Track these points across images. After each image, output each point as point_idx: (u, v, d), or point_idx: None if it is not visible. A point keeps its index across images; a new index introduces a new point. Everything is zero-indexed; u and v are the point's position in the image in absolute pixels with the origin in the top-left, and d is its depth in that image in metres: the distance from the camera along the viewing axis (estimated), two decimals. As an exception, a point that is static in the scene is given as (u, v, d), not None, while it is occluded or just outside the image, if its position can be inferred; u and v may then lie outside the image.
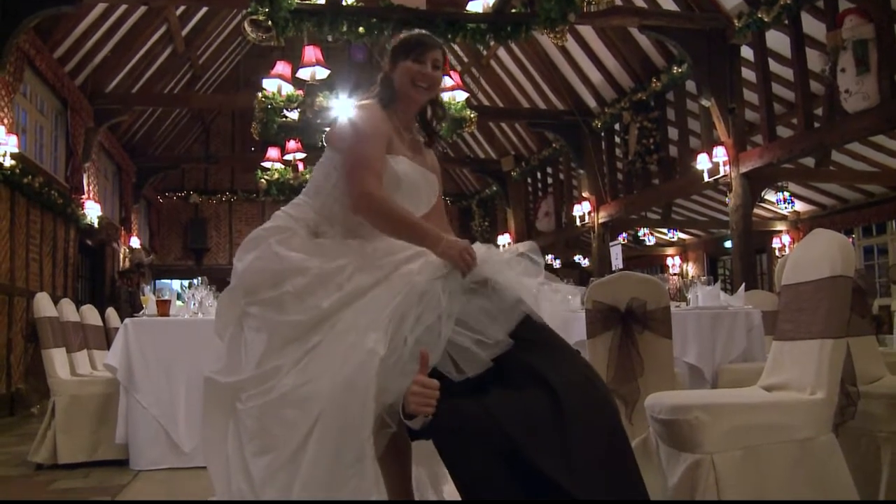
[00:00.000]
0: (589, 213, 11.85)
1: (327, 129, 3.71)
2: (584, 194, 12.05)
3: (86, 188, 10.03)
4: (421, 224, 2.18)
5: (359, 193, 2.17)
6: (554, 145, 12.98)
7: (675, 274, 16.05)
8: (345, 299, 2.09)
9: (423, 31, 2.41)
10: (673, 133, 10.24)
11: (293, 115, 7.72)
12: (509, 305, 2.01)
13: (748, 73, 8.76)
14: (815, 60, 7.59)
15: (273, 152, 10.23)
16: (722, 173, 8.60)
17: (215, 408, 2.16)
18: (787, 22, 7.75)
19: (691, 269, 16.41)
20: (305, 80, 7.38)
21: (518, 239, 14.54)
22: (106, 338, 5.68)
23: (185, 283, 10.52)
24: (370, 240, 2.24)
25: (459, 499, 1.91)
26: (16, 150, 7.26)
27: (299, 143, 9.52)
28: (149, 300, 4.67)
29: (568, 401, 1.88)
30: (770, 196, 12.38)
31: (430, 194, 2.41)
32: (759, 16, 7.89)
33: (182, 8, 10.29)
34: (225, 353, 2.23)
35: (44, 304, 4.58)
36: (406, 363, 1.94)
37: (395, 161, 2.27)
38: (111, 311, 6.20)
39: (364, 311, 2.06)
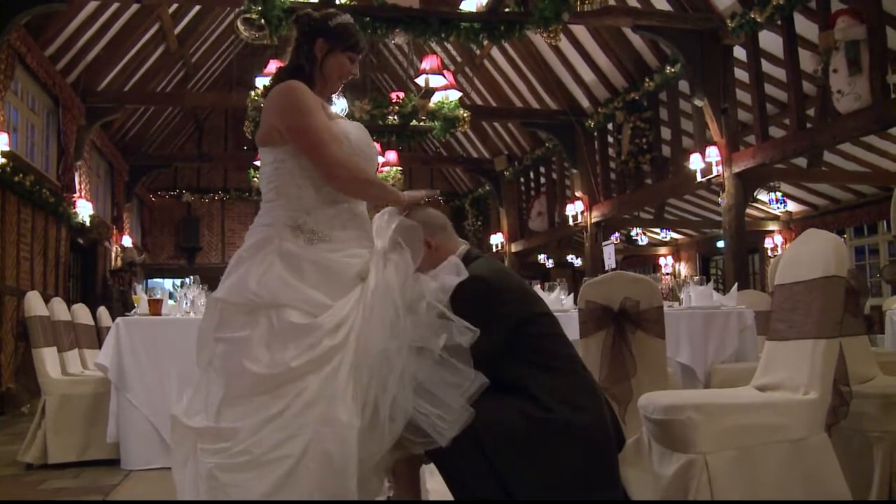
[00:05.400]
0: (582, 212, 11.86)
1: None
2: (577, 194, 12.05)
3: (77, 187, 9.97)
4: (384, 182, 2.35)
5: (333, 162, 2.17)
6: (547, 145, 12.98)
7: (667, 274, 16.06)
8: (314, 364, 2.00)
9: (356, 25, 2.40)
10: (666, 133, 10.25)
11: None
12: (468, 377, 2.05)
13: (741, 74, 8.77)
14: (807, 61, 7.59)
15: (265, 151, 10.18)
16: (714, 173, 8.62)
17: (179, 444, 2.11)
18: (779, 22, 7.77)
19: (684, 268, 16.44)
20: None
21: (511, 239, 14.55)
22: (97, 337, 5.65)
23: (177, 282, 10.46)
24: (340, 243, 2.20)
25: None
26: (7, 149, 7.21)
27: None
28: (140, 299, 4.64)
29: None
30: (762, 196, 12.41)
31: (374, 147, 2.44)
32: (752, 16, 7.91)
33: (175, 6, 10.22)
34: (193, 389, 2.17)
35: (35, 303, 4.55)
36: (384, 426, 1.97)
37: (334, 123, 2.29)
38: (103, 310, 6.17)
39: (331, 379, 2.00)
